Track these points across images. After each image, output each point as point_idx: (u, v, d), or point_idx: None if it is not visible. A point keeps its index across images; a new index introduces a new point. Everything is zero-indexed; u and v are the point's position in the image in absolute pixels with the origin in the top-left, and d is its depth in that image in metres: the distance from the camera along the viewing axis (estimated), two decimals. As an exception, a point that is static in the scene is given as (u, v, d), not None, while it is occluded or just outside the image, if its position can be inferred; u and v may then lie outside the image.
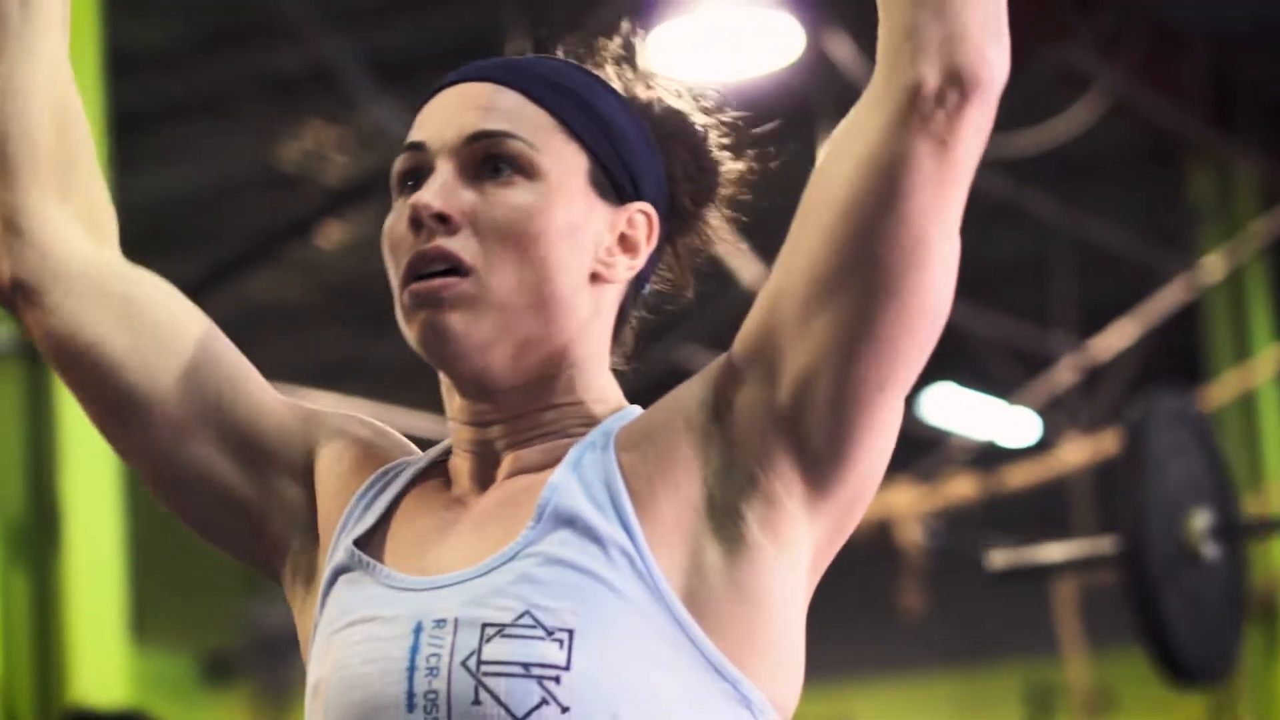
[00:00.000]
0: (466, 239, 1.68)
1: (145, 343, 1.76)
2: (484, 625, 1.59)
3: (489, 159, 1.69)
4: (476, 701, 1.57)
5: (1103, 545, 4.83)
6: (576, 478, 1.64)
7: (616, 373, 1.78)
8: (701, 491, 1.62)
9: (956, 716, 15.14)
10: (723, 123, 1.81)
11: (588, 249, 1.70)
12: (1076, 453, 9.17)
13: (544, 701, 1.56)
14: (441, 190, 1.69)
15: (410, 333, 1.72)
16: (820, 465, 1.61)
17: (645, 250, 1.74)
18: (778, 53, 6.86)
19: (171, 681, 13.60)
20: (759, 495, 1.61)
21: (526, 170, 1.69)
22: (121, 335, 1.75)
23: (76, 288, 1.76)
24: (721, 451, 1.62)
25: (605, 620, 1.58)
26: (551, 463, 1.68)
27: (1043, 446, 10.68)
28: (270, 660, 14.22)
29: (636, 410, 1.73)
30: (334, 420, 1.82)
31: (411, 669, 1.60)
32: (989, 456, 10.33)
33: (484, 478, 1.73)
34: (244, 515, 1.78)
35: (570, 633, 1.57)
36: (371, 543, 1.72)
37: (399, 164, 1.75)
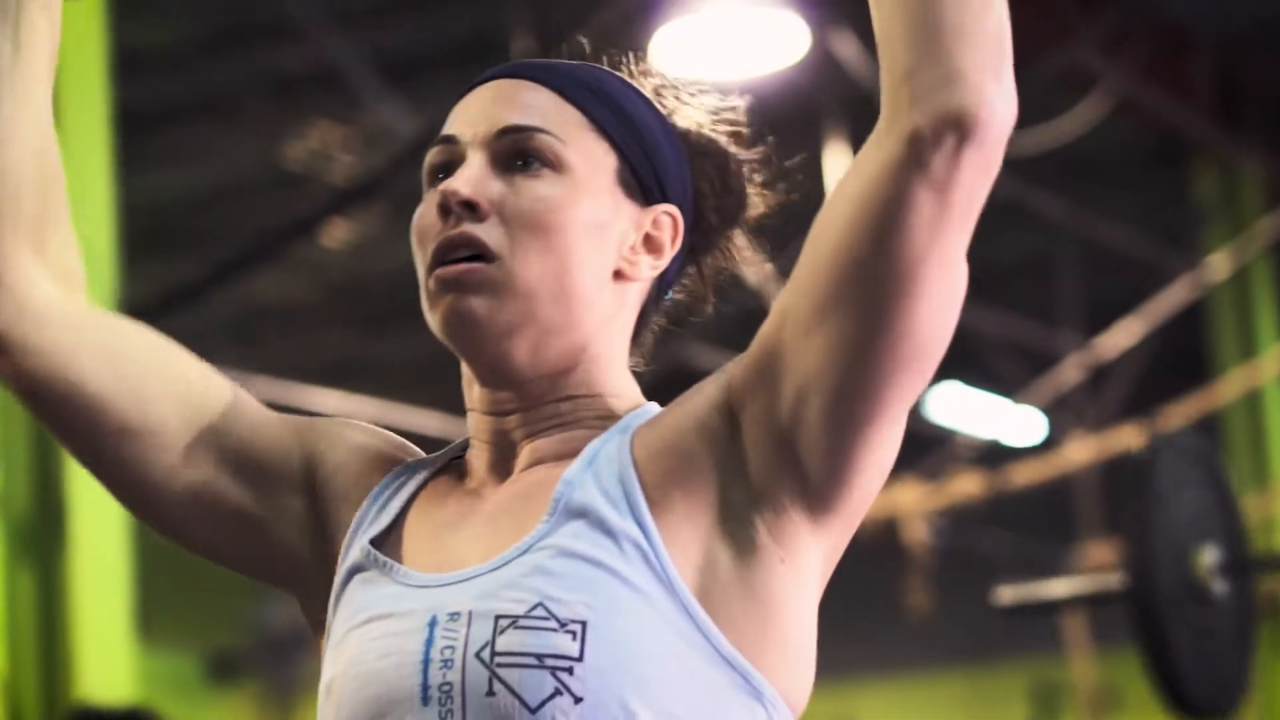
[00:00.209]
0: (493, 227, 1.70)
1: (130, 376, 1.75)
2: (497, 617, 1.60)
3: (519, 152, 1.72)
4: (491, 693, 1.58)
5: (1110, 581, 4.82)
6: (591, 473, 1.66)
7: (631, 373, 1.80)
8: (714, 493, 1.63)
9: (961, 715, 15.14)
10: (747, 136, 1.84)
11: (612, 246, 1.73)
12: (1082, 451, 9.16)
13: (557, 692, 1.57)
14: (470, 178, 1.71)
15: (434, 318, 1.72)
16: (819, 484, 1.62)
17: (669, 251, 1.77)
18: (783, 52, 6.86)
19: (177, 681, 13.62)
20: (767, 503, 1.62)
21: (555, 164, 1.72)
22: (105, 371, 1.75)
23: (54, 332, 1.75)
24: (733, 456, 1.63)
25: (618, 612, 1.59)
26: (568, 454, 1.70)
27: (1048, 445, 10.68)
28: (276, 660, 14.23)
29: (654, 407, 1.74)
30: (332, 426, 1.82)
31: (426, 662, 1.61)
32: (995, 455, 10.33)
33: (501, 469, 1.74)
34: (251, 532, 1.78)
35: (583, 624, 1.58)
36: (387, 542, 1.73)
37: (430, 157, 1.77)
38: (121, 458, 1.76)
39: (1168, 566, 4.44)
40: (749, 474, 1.62)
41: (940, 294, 1.57)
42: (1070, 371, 9.43)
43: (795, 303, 1.61)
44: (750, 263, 1.86)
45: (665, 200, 1.77)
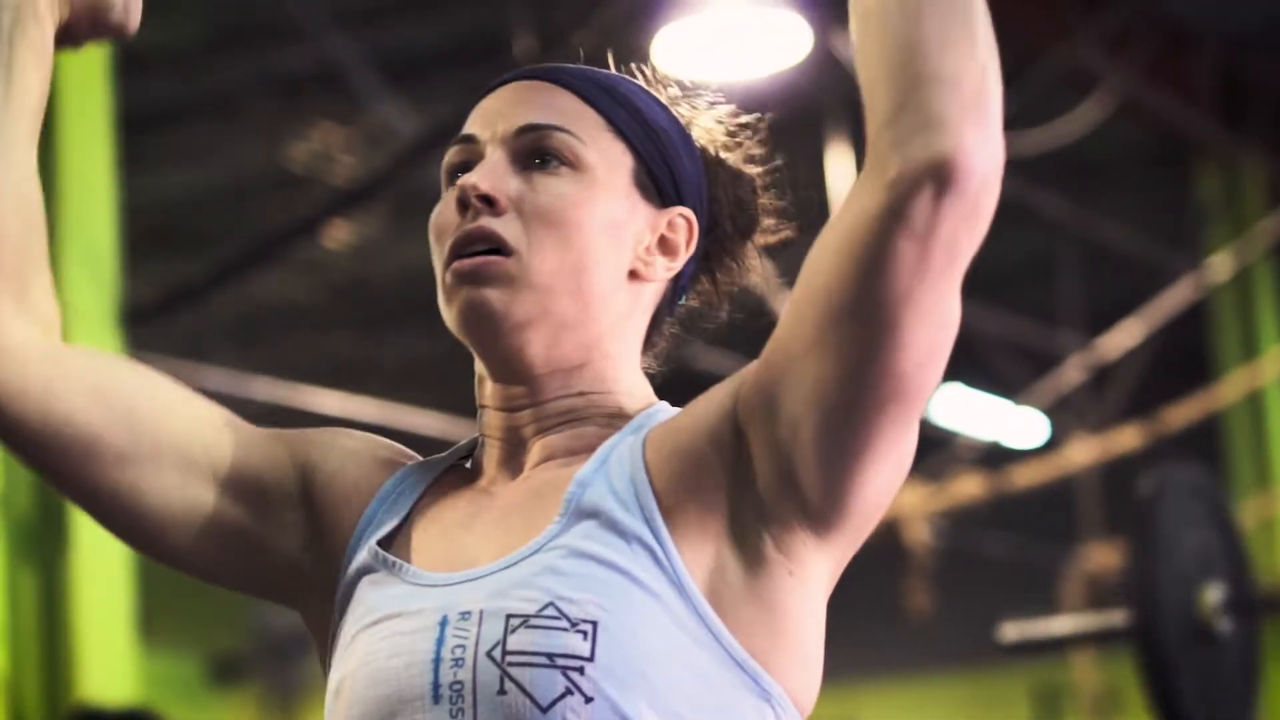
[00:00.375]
0: (511, 222, 1.71)
1: (119, 405, 1.74)
2: (509, 616, 1.60)
3: (537, 150, 1.74)
4: (502, 691, 1.58)
5: (1115, 619, 4.82)
6: (604, 473, 1.66)
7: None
8: (725, 501, 1.63)
9: (964, 717, 15.14)
10: (760, 151, 1.85)
11: (628, 245, 1.74)
12: (1084, 452, 9.17)
13: (568, 691, 1.57)
14: (489, 174, 1.73)
15: (449, 312, 1.73)
16: (819, 507, 1.62)
17: (684, 254, 1.78)
18: (785, 52, 6.86)
19: (179, 683, 13.62)
20: (774, 518, 1.62)
21: (573, 163, 1.73)
22: (94, 404, 1.73)
23: (36, 370, 1.74)
24: (742, 467, 1.63)
25: (629, 613, 1.59)
26: (579, 450, 1.71)
27: (1050, 446, 10.68)
28: (278, 662, 14.23)
29: (665, 406, 1.75)
30: (321, 435, 1.82)
31: (437, 660, 1.62)
32: (996, 456, 10.33)
33: (511, 466, 1.75)
34: (252, 550, 1.78)
35: (594, 624, 1.58)
36: (396, 542, 1.74)
37: (449, 156, 1.79)
38: (119, 488, 1.74)
39: (1172, 605, 4.44)
40: (757, 488, 1.62)
41: (926, 335, 1.55)
42: (1072, 372, 9.43)
43: (788, 335, 1.60)
44: (761, 273, 1.87)
45: (681, 203, 1.78)
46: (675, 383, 1.85)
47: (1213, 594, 4.48)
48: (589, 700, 1.57)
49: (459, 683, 1.60)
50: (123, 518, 1.77)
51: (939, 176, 1.50)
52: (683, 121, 1.83)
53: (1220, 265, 9.50)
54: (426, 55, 8.63)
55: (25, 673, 5.80)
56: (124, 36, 1.85)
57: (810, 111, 7.69)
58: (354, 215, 9.74)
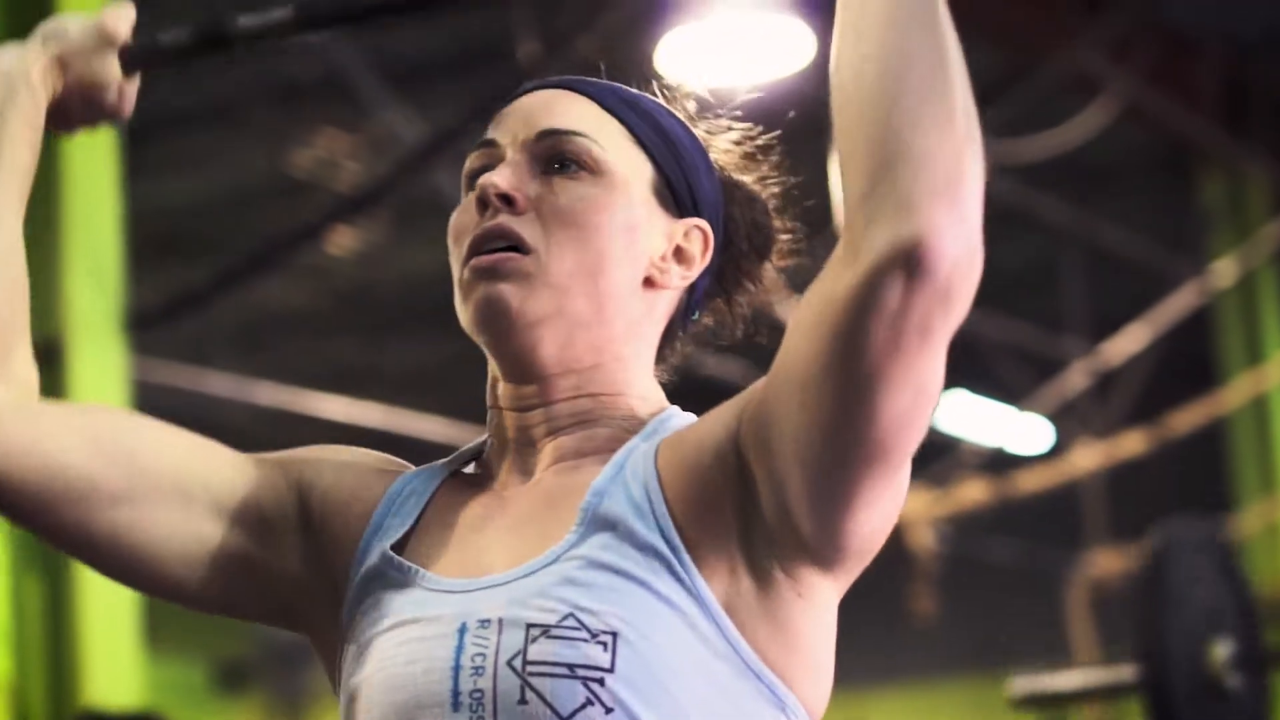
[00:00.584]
0: (529, 221, 1.73)
1: (109, 448, 1.74)
2: (529, 626, 1.61)
3: (557, 155, 1.75)
4: (523, 701, 1.59)
5: (1125, 674, 4.83)
6: (620, 482, 1.67)
7: None
8: (735, 521, 1.63)
9: (969, 722, 15.13)
10: (776, 173, 1.87)
11: (644, 252, 1.76)
12: (1089, 457, 9.16)
13: (589, 702, 1.58)
14: (509, 174, 1.74)
15: (465, 310, 1.74)
16: (815, 545, 1.62)
17: (699, 264, 1.79)
18: (789, 58, 6.86)
19: (185, 689, 13.62)
20: (779, 547, 1.63)
21: (592, 168, 1.75)
22: (84, 449, 1.73)
23: (21, 427, 1.73)
24: (748, 491, 1.63)
25: (648, 624, 1.60)
26: (590, 452, 1.72)
27: (1055, 451, 10.68)
28: (283, 669, 14.23)
29: (677, 412, 1.76)
30: (311, 453, 1.83)
31: (456, 668, 1.62)
32: (1001, 461, 10.32)
33: (522, 468, 1.75)
34: (257, 578, 1.79)
35: (614, 635, 1.59)
36: (407, 547, 1.74)
37: (470, 161, 1.80)
38: (119, 529, 1.74)
39: (1182, 660, 4.44)
40: (764, 515, 1.62)
41: (900, 405, 1.53)
42: (1076, 378, 9.43)
43: (778, 384, 1.60)
44: (775, 294, 1.88)
45: (697, 215, 1.80)
46: (682, 389, 1.85)
47: (1222, 649, 4.48)
48: (609, 711, 1.58)
49: (479, 691, 1.61)
50: (126, 559, 1.77)
51: (908, 261, 1.46)
52: (701, 140, 1.84)
53: (1224, 270, 9.50)
54: (430, 62, 8.63)
55: (30, 678, 5.80)
56: (118, 121, 1.84)
57: (814, 117, 7.67)
58: (358, 222, 9.74)
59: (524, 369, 1.74)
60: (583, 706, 1.58)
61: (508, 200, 1.73)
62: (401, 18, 1.76)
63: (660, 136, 1.80)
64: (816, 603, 1.65)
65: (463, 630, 1.63)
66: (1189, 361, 10.46)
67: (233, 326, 11.11)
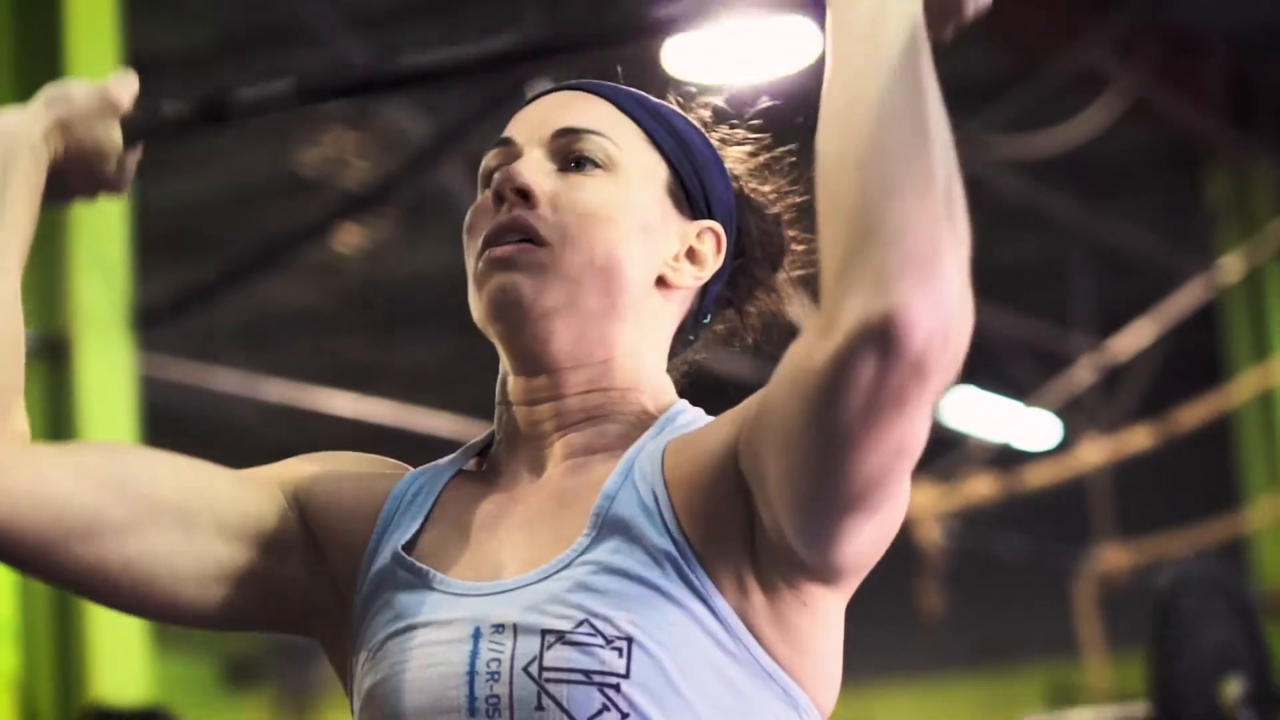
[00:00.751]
0: (545, 215, 1.74)
1: (110, 480, 1.73)
2: (544, 632, 1.62)
3: (573, 153, 1.76)
4: (540, 707, 1.60)
5: (1135, 711, 4.84)
6: (629, 484, 1.67)
7: None
8: (739, 532, 1.64)
9: (977, 718, 15.13)
10: (789, 184, 1.87)
11: (657, 251, 1.77)
12: (1096, 453, 9.16)
13: (605, 708, 1.59)
14: (525, 169, 1.75)
15: (479, 302, 1.75)
16: (811, 566, 1.63)
17: (711, 265, 1.80)
18: (794, 55, 6.87)
19: (193, 685, 13.64)
20: (780, 561, 1.63)
21: (608, 165, 1.76)
22: (86, 485, 1.72)
23: (23, 475, 1.72)
24: (749, 505, 1.63)
25: (662, 628, 1.61)
26: (600, 449, 1.73)
27: (1062, 447, 10.68)
28: (292, 664, 14.25)
29: (686, 407, 1.77)
30: (304, 465, 1.83)
31: (472, 673, 1.63)
32: (1008, 457, 10.33)
33: (532, 464, 1.76)
34: (269, 593, 1.79)
35: (629, 641, 1.60)
36: (418, 546, 1.74)
37: (487, 160, 1.81)
38: (126, 558, 1.73)
39: (1193, 698, 4.45)
40: (765, 531, 1.62)
41: (879, 463, 1.51)
42: (1084, 373, 9.43)
43: (761, 426, 1.60)
44: (788, 304, 1.88)
45: (711, 217, 1.81)
46: (699, 387, 1.86)
47: (1234, 687, 4.49)
48: (625, 716, 1.59)
49: (495, 697, 1.61)
50: (137, 588, 1.75)
51: (879, 337, 1.43)
52: (715, 146, 1.86)
53: (1231, 266, 9.50)
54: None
55: (39, 674, 5.81)
56: (116, 194, 1.82)
57: (819, 116, 7.65)
58: (365, 220, 9.75)
59: (535, 361, 1.74)
60: (599, 712, 1.59)
61: (524, 194, 1.74)
62: (398, 91, 1.77)
63: (675, 139, 1.81)
64: (821, 610, 1.66)
65: (477, 635, 1.64)
66: (1196, 357, 10.46)
67: (240, 325, 11.12)
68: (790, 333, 1.69)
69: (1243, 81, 9.51)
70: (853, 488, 1.52)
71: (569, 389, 1.75)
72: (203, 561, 1.75)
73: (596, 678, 1.59)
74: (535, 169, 1.75)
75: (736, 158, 1.88)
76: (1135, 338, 9.25)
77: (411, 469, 1.83)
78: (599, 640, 1.60)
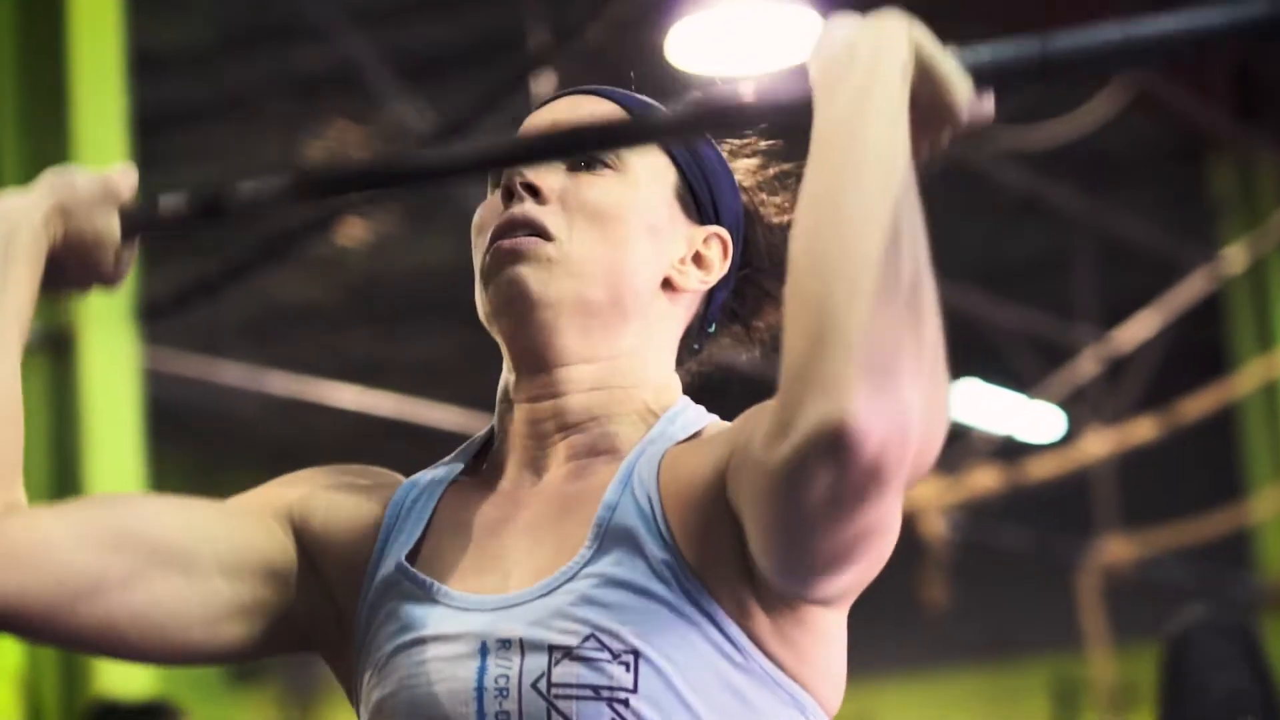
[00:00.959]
0: (553, 212, 1.75)
1: (109, 534, 1.73)
2: (551, 648, 1.62)
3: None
4: None
5: None
6: (629, 495, 1.67)
7: None
8: (734, 554, 1.63)
9: (982, 713, 15.14)
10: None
11: (664, 253, 1.78)
12: (1100, 444, 9.16)
13: None
14: (535, 167, 1.76)
15: (485, 297, 1.76)
16: (798, 600, 1.63)
17: (717, 271, 1.81)
18: (798, 47, 6.87)
19: (198, 680, 13.63)
20: (773, 587, 1.62)
21: (617, 167, 1.77)
22: (85, 546, 1.72)
23: (31, 550, 1.71)
24: (741, 529, 1.62)
25: (667, 641, 1.62)
26: (603, 451, 1.73)
27: (1066, 438, 10.68)
28: (297, 661, 14.25)
29: (686, 405, 1.77)
30: (297, 488, 1.82)
31: (480, 690, 1.64)
32: (1012, 448, 10.33)
33: (535, 465, 1.76)
34: (275, 622, 1.79)
35: (635, 655, 1.61)
36: (422, 556, 1.75)
37: None
38: (135, 608, 1.73)
39: None
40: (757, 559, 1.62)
41: (847, 544, 1.50)
42: (1087, 365, 9.43)
43: (738, 474, 1.59)
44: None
45: (718, 224, 1.82)
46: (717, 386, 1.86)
47: None
48: None
49: (505, 713, 1.62)
50: (144, 639, 1.75)
51: (832, 444, 1.42)
52: (725, 157, 1.87)
53: (1235, 258, 9.50)
54: (442, 54, 8.64)
55: (43, 668, 5.81)
56: (110, 287, 1.80)
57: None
58: (369, 214, 9.74)
59: (539, 356, 1.74)
60: None
61: (533, 190, 1.75)
62: (396, 190, 1.76)
63: (685, 145, 1.82)
64: (822, 625, 1.67)
65: (484, 651, 1.65)
66: (1200, 349, 10.46)
67: (244, 319, 11.12)
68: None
69: (1247, 73, 9.51)
70: (822, 559, 1.52)
71: (572, 387, 1.75)
72: (208, 603, 1.75)
73: (605, 693, 1.60)
74: (545, 167, 1.76)
75: (746, 169, 1.89)
76: (1139, 329, 9.25)
77: (404, 478, 1.82)
78: (605, 655, 1.61)
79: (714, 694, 1.62)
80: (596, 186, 1.76)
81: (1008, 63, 1.59)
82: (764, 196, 1.89)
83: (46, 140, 5.67)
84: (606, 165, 1.77)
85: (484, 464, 1.81)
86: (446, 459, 1.83)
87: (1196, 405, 8.91)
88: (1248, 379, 9.42)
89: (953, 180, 8.82)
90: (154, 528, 1.74)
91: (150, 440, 5.90)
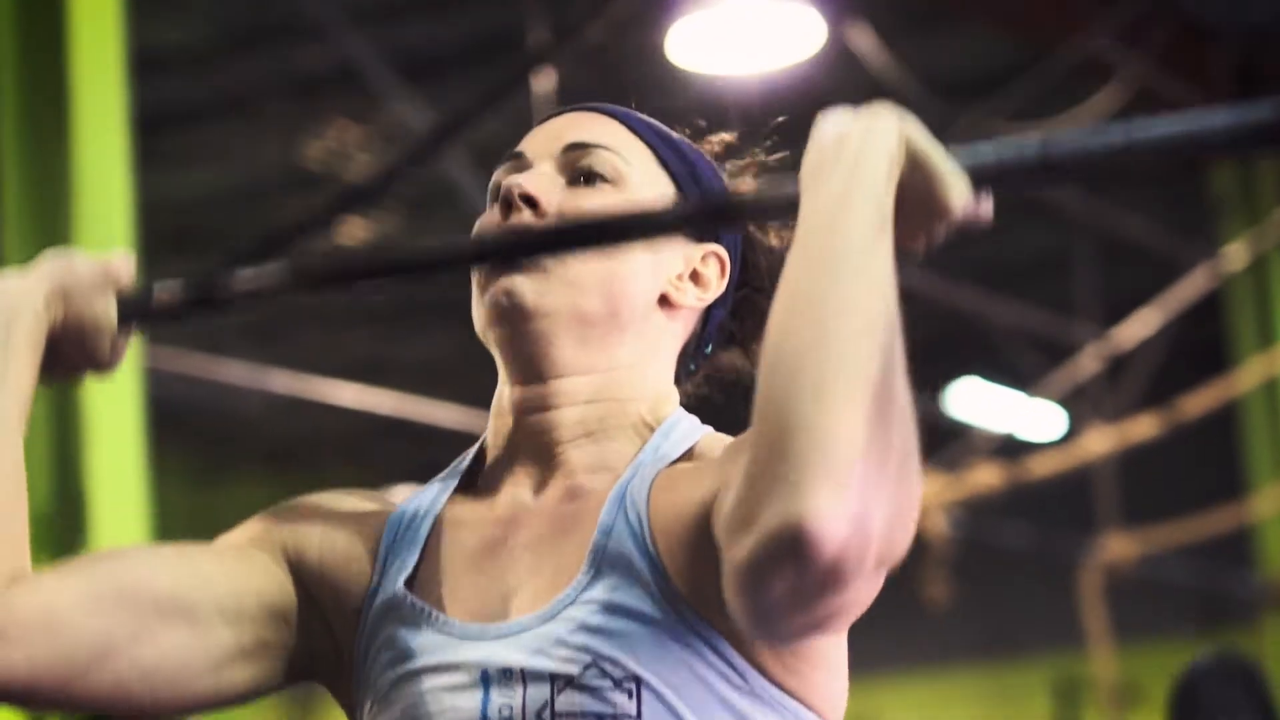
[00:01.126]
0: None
1: (109, 598, 1.72)
2: (553, 676, 1.63)
3: (583, 168, 1.78)
4: None
5: None
6: (623, 517, 1.67)
7: None
8: (720, 583, 1.60)
9: (983, 711, 15.14)
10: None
11: (662, 269, 1.78)
12: (1101, 442, 9.16)
13: None
14: (534, 178, 1.77)
15: (481, 308, 1.75)
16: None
17: (715, 288, 1.81)
18: (799, 45, 6.87)
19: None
20: None
21: (616, 180, 1.77)
22: (89, 612, 1.71)
23: (40, 628, 1.70)
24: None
25: (668, 666, 1.62)
26: (599, 469, 1.72)
27: (1067, 436, 10.68)
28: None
29: (682, 417, 1.77)
30: (292, 518, 1.81)
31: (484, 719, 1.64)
32: (1013, 446, 10.33)
33: (530, 483, 1.75)
34: (281, 661, 1.79)
35: (637, 681, 1.61)
36: (420, 580, 1.74)
37: (497, 175, 1.82)
38: (145, 665, 1.73)
39: None
40: None
41: (814, 627, 1.49)
42: (1088, 363, 9.43)
43: (715, 524, 1.58)
44: None
45: (716, 242, 1.82)
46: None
47: None
48: None
49: None
50: (155, 696, 1.74)
51: (792, 545, 1.40)
52: (725, 178, 1.87)
53: (1235, 255, 9.50)
54: (442, 53, 8.64)
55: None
56: (105, 374, 1.79)
57: (824, 104, 7.66)
58: (370, 213, 9.75)
59: (535, 367, 1.74)
60: None
61: (531, 203, 1.75)
62: (397, 281, 1.77)
63: (683, 162, 1.82)
64: (819, 651, 1.67)
65: (486, 681, 1.65)
66: (1201, 346, 10.46)
67: (246, 318, 11.12)
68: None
69: (1248, 70, 9.51)
70: (794, 634, 1.52)
71: (568, 399, 1.74)
72: (212, 651, 1.75)
73: None
74: (544, 180, 1.77)
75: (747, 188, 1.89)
76: (1140, 327, 9.25)
77: (396, 503, 1.82)
78: (608, 683, 1.61)
79: (717, 717, 1.62)
80: (594, 199, 1.76)
81: (1008, 164, 1.58)
82: (763, 231, 1.88)
83: (46, 140, 5.66)
84: (605, 179, 1.77)
85: (478, 479, 1.80)
86: (439, 476, 1.82)
87: (1197, 403, 8.90)
88: (1249, 376, 9.42)
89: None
90: (153, 581, 1.73)
91: (152, 438, 5.90)
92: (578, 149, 1.78)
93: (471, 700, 1.65)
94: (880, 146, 1.53)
